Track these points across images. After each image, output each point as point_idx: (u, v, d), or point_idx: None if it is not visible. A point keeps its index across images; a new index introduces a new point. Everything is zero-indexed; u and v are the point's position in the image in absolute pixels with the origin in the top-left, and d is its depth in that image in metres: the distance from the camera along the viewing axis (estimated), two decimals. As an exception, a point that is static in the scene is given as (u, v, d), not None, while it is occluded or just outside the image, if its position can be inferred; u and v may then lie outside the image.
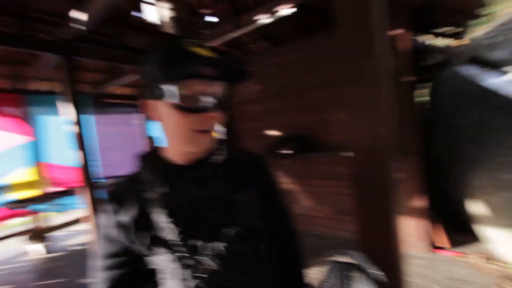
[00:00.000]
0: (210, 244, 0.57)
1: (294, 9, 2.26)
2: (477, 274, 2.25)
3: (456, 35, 3.27)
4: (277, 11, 2.28)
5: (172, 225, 0.57)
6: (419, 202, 2.67)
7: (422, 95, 3.17)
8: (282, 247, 0.75)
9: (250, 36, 3.18)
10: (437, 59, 3.26)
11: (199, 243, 0.57)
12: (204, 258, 0.57)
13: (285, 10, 2.26)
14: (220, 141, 0.66)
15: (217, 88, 0.58)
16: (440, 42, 3.55)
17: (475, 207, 2.48)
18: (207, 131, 0.58)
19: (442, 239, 2.73)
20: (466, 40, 3.13)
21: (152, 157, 0.65)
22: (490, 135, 2.52)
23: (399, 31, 2.64)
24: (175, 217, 0.58)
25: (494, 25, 2.63)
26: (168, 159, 0.63)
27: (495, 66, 2.61)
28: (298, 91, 3.35)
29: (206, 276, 0.56)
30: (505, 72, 2.55)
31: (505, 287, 2.06)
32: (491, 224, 2.32)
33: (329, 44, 3.00)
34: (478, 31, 2.90)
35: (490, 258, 2.42)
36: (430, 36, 3.32)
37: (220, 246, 0.57)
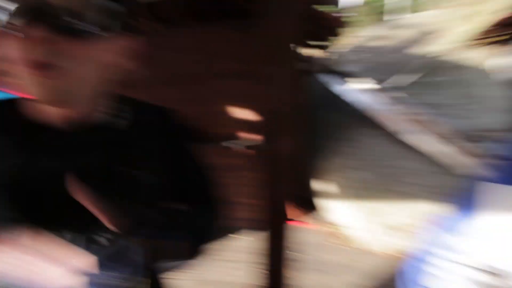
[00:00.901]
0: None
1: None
2: (316, 235, 2.92)
3: (320, 47, 4.00)
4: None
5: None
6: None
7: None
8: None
9: (137, 14, 2.60)
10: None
11: None
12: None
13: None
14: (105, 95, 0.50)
15: None
16: (306, 51, 4.24)
17: (324, 185, 3.22)
18: (43, 66, 0.38)
19: (294, 212, 3.32)
20: (326, 53, 3.91)
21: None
22: (336, 130, 3.33)
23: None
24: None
25: (349, 45, 3.43)
26: (32, 117, 0.47)
27: (345, 77, 3.43)
28: (189, 80, 3.09)
29: None
30: (350, 82, 3.40)
31: (333, 241, 2.85)
32: (333, 198, 3.07)
33: (227, 35, 2.93)
34: (336, 47, 3.68)
35: (327, 223, 3.19)
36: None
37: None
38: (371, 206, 2.88)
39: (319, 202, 3.32)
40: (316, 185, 3.36)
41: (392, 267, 2.42)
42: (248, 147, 3.00)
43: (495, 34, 3.54)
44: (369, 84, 3.33)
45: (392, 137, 3.05)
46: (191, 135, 0.67)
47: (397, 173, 2.86)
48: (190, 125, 0.68)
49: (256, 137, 3.05)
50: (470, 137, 2.80)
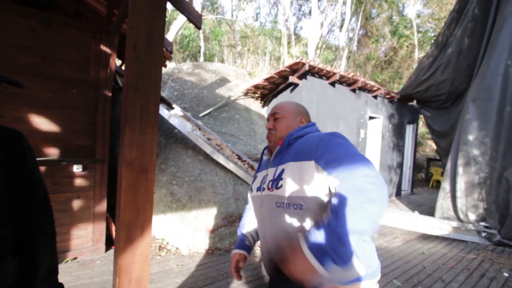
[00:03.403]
0: None
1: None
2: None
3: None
4: None
5: None
6: (101, 207, 2.92)
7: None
8: (29, 219, 0.73)
9: None
10: (122, 82, 3.90)
11: None
12: None
13: None
14: None
15: None
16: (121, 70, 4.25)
17: None
18: None
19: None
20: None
21: None
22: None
23: (112, 51, 2.90)
24: None
25: (162, 74, 3.81)
26: None
27: (162, 102, 3.78)
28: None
29: None
30: (166, 108, 3.78)
31: (159, 253, 2.96)
32: (154, 213, 3.19)
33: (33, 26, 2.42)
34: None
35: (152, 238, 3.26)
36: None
37: None
38: (183, 215, 3.28)
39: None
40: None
41: (206, 264, 2.89)
42: (58, 162, 2.53)
43: (259, 90, 5.33)
44: (179, 111, 3.88)
45: (198, 156, 3.70)
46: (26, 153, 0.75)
47: (202, 185, 3.49)
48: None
49: (65, 150, 2.64)
50: (249, 157, 4.01)
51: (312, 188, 0.79)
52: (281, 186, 0.86)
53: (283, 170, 0.87)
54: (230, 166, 3.60)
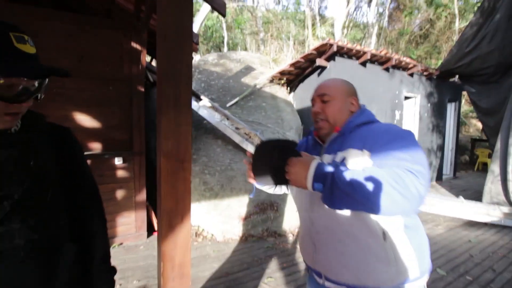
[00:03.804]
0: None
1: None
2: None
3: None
4: None
5: None
6: (141, 196, 3.10)
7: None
8: (84, 208, 0.80)
9: None
10: (153, 78, 4.03)
11: None
12: None
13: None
14: (24, 116, 0.69)
15: (31, 82, 0.62)
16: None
17: None
18: (15, 114, 0.62)
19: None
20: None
21: None
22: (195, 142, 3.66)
23: (142, 47, 3.01)
24: None
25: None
26: None
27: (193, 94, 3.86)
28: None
29: None
30: (200, 99, 3.85)
31: (196, 239, 3.11)
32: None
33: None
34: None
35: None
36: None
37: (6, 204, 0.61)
38: (217, 203, 3.39)
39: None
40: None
41: (241, 250, 2.99)
42: (101, 155, 2.75)
43: (288, 75, 5.21)
44: (207, 102, 3.93)
45: (228, 145, 3.76)
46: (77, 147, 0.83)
47: (233, 174, 3.55)
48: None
49: (107, 144, 2.84)
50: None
51: None
52: None
53: (344, 158, 0.82)
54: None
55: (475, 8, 10.01)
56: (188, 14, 1.18)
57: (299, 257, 2.76)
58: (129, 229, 3.06)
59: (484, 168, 7.47)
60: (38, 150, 0.69)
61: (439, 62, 7.97)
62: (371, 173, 0.68)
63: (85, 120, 2.76)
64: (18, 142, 0.66)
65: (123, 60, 2.93)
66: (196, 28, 8.95)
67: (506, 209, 3.66)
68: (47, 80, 0.65)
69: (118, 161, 2.91)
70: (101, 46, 2.80)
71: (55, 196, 0.70)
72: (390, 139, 0.77)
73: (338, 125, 0.89)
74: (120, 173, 2.97)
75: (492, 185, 4.00)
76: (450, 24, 12.58)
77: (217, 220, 3.33)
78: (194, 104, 3.74)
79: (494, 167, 4.01)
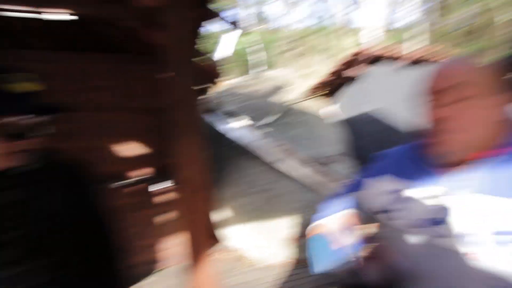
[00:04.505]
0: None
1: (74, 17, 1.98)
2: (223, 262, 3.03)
3: (202, 92, 4.44)
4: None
5: None
6: (177, 222, 3.12)
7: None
8: (96, 246, 0.80)
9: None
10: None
11: None
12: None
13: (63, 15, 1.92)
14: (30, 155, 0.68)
15: (29, 121, 0.62)
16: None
17: (221, 215, 3.40)
18: (17, 152, 0.62)
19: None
20: (208, 95, 4.37)
21: None
22: (225, 163, 3.68)
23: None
24: None
25: (224, 90, 3.99)
26: None
27: (225, 116, 3.92)
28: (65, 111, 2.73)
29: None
30: (229, 121, 3.90)
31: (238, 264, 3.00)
32: (230, 225, 3.27)
33: (109, 65, 2.88)
34: (214, 91, 4.20)
35: (229, 250, 3.33)
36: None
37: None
38: (261, 225, 3.25)
39: (220, 231, 3.43)
40: (215, 215, 3.48)
41: (286, 275, 2.78)
42: (139, 183, 2.88)
43: (322, 90, 5.01)
44: (244, 122, 3.93)
45: (267, 165, 3.64)
46: (88, 178, 0.84)
47: (273, 194, 3.39)
48: (84, 166, 0.80)
49: (144, 172, 2.96)
50: (318, 162, 3.74)
51: None
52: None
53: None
54: (299, 172, 3.41)
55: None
56: (193, 46, 1.16)
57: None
58: (169, 254, 3.07)
59: None
60: (48, 189, 0.70)
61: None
62: None
63: (122, 150, 2.91)
64: (29, 182, 0.67)
65: (153, 91, 3.05)
66: (227, 51, 9.36)
67: None
68: (45, 116, 0.64)
69: (153, 188, 2.98)
70: (134, 80, 2.99)
71: (67, 234, 0.70)
72: None
73: (481, 145, 0.53)
74: (157, 200, 3.03)
75: None
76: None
77: (260, 244, 3.17)
78: (234, 125, 3.78)
79: None
